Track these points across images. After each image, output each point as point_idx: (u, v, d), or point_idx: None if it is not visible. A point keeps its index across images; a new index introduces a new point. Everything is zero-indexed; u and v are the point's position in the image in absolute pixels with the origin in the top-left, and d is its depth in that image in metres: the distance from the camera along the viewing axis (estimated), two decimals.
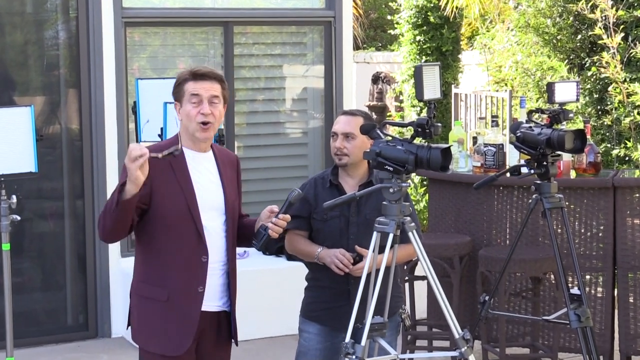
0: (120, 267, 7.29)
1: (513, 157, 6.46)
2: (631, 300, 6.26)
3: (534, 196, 5.29)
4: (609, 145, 9.15)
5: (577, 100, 5.57)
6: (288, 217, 4.09)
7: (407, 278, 6.40)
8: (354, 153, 4.50)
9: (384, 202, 4.14)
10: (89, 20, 7.25)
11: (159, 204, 3.98)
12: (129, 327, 4.17)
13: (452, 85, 10.47)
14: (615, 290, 6.36)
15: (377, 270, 4.12)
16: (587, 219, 6.33)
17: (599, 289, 6.33)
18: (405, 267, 6.24)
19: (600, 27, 8.96)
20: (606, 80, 9.18)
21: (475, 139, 6.71)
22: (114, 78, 7.32)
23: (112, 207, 3.84)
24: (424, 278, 5.94)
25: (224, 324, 4.18)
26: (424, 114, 10.36)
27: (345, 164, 4.56)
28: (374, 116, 12.51)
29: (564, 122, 5.39)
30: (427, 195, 8.25)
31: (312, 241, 4.59)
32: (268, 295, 7.34)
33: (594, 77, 9.35)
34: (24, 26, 7.35)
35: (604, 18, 9.02)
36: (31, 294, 7.32)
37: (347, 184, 4.58)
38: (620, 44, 8.96)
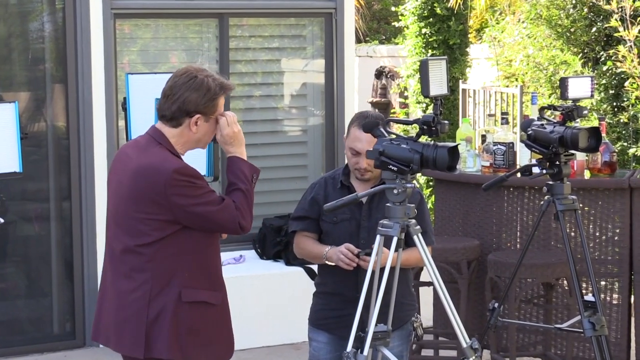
0: None
1: (524, 156, 6.48)
2: None
3: (546, 198, 5.31)
4: (625, 143, 9.15)
5: (592, 96, 5.58)
6: None
7: (412, 284, 6.40)
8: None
9: (388, 204, 4.14)
10: (76, 11, 7.26)
11: None
12: (156, 341, 3.91)
13: (460, 81, 10.47)
14: (632, 297, 6.37)
15: (381, 276, 4.11)
16: (602, 222, 6.34)
17: (615, 296, 6.34)
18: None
19: (616, 19, 8.96)
20: (622, 75, 9.19)
21: (484, 137, 6.73)
22: (103, 73, 7.33)
23: (252, 186, 4.02)
24: (429, 284, 5.95)
25: None
26: (430, 110, 10.36)
27: (368, 179, 4.56)
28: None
29: (578, 120, 5.40)
30: (433, 196, 8.26)
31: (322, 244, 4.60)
32: (265, 302, 7.34)
33: (610, 71, 9.36)
34: (8, 18, 7.36)
35: (620, 9, 9.02)
36: (15, 301, 7.33)
37: (359, 186, 4.57)
38: (637, 36, 8.96)
